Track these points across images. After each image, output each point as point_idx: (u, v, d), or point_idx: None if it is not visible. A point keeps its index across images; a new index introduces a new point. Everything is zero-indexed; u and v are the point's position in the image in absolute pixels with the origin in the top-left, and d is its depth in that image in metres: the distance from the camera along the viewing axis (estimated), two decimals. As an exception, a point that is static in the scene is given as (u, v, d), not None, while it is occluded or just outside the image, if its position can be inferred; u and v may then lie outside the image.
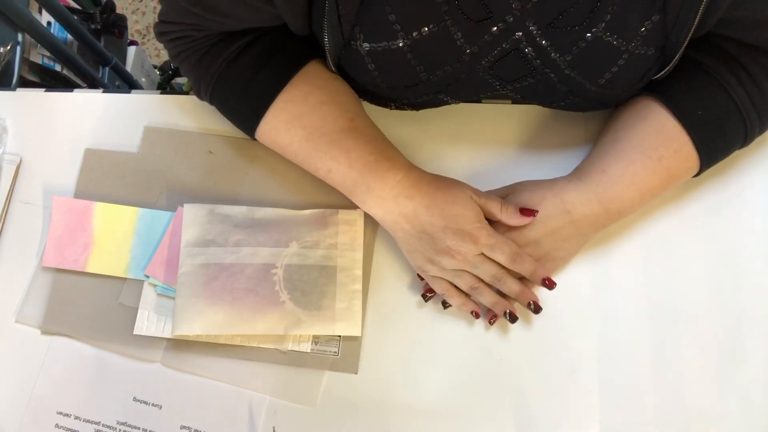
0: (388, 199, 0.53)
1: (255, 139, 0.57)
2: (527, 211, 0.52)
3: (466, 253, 0.51)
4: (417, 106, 0.61)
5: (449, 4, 0.45)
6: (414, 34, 0.47)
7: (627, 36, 0.45)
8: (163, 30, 0.53)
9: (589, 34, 0.46)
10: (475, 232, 0.51)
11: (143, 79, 1.41)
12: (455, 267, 0.52)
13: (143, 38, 1.80)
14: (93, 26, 1.23)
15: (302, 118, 0.53)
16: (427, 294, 0.56)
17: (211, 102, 0.57)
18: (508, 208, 0.53)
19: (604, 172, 0.53)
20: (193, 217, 0.58)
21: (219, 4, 0.47)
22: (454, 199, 0.52)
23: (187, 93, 0.65)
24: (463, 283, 0.54)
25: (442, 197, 0.52)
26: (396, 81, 0.52)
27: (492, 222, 0.54)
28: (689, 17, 0.44)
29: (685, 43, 0.46)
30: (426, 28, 0.46)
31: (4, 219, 0.63)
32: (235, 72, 0.53)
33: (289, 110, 0.53)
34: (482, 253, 0.52)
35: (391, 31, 0.46)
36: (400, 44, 0.47)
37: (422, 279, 0.57)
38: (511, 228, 0.54)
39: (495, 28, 0.46)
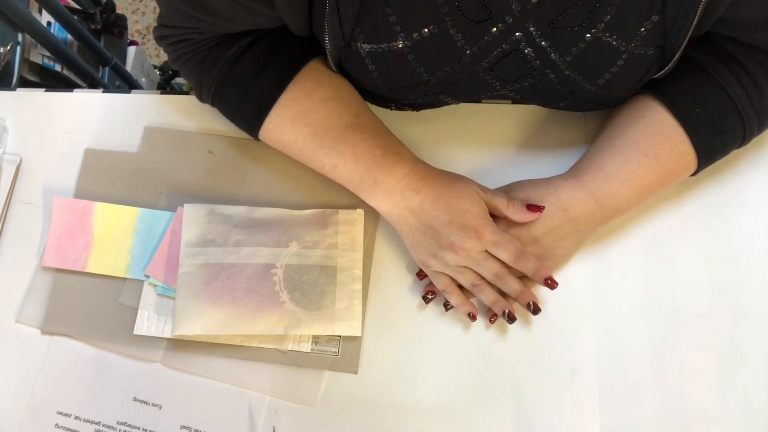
0: (395, 193, 0.53)
1: (258, 140, 0.57)
2: (534, 207, 0.52)
3: (470, 249, 0.51)
4: (417, 107, 0.61)
5: (449, 5, 0.45)
6: (414, 36, 0.47)
7: (626, 36, 0.45)
8: (163, 34, 0.53)
9: (588, 35, 0.46)
10: (480, 228, 0.51)
11: (143, 79, 1.41)
12: (458, 263, 0.53)
13: (143, 38, 1.80)
14: (93, 26, 1.23)
15: (307, 115, 0.53)
16: (428, 296, 0.56)
17: (213, 104, 0.57)
18: (514, 203, 0.53)
19: (601, 169, 0.53)
20: (193, 217, 0.58)
21: (219, 8, 0.47)
22: (461, 194, 0.52)
23: (187, 93, 0.65)
24: (465, 279, 0.54)
25: (448, 191, 0.52)
26: (396, 82, 0.52)
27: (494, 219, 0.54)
28: (688, 17, 0.44)
29: (685, 43, 0.46)
30: (426, 30, 0.46)
31: (4, 219, 0.63)
32: (236, 73, 0.53)
33: (293, 108, 0.53)
34: (485, 250, 0.52)
35: (391, 32, 0.47)
36: (401, 45, 0.47)
37: (422, 279, 0.57)
38: (510, 226, 0.54)
39: (495, 29, 0.46)
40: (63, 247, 0.60)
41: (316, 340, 0.57)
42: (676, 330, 0.56)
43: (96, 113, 0.65)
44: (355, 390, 0.56)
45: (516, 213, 0.52)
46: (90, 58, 1.18)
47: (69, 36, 1.11)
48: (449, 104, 0.60)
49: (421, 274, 0.57)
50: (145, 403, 0.57)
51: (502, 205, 0.53)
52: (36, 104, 0.67)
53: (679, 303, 0.56)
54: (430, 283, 0.57)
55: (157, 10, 0.52)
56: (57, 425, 0.56)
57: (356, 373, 0.56)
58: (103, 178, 0.62)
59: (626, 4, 0.44)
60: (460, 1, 0.45)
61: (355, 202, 0.58)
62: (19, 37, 0.95)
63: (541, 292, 0.57)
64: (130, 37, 1.45)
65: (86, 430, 0.56)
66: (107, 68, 1.22)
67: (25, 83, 0.99)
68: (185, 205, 0.59)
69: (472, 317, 0.55)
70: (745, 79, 0.50)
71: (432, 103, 0.59)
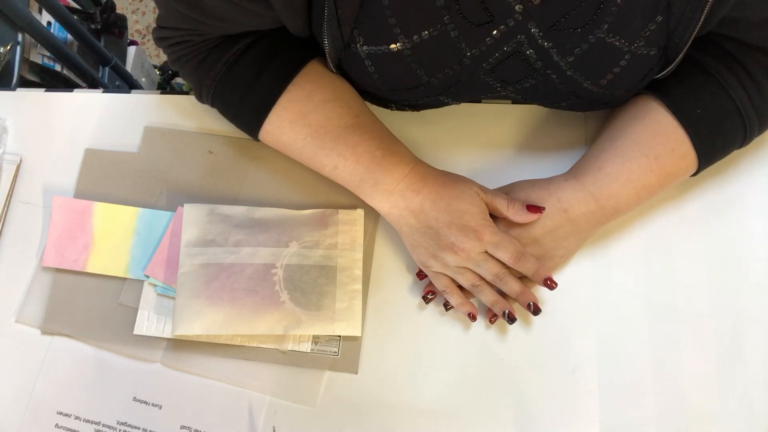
0: (395, 193, 0.53)
1: (258, 140, 0.57)
2: (534, 208, 0.52)
3: (470, 249, 0.51)
4: (417, 107, 0.61)
5: (450, 8, 0.45)
6: (414, 38, 0.46)
7: (630, 37, 0.45)
8: (162, 35, 0.53)
9: (591, 36, 0.45)
10: (480, 229, 0.51)
11: (143, 79, 1.41)
12: (458, 263, 0.53)
13: (143, 38, 1.80)
14: (93, 26, 1.23)
15: (307, 117, 0.53)
16: (428, 296, 0.56)
17: (213, 105, 0.57)
18: (515, 204, 0.53)
19: (601, 170, 0.53)
20: (193, 217, 0.58)
21: (218, 10, 0.46)
22: (461, 194, 0.52)
23: (187, 93, 0.65)
24: (465, 280, 0.54)
25: (448, 192, 0.52)
26: (396, 83, 0.52)
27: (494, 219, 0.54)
28: (693, 17, 0.44)
29: (689, 44, 0.46)
30: (426, 32, 0.46)
31: (4, 219, 0.63)
32: (236, 75, 0.53)
33: (293, 109, 0.53)
34: (485, 251, 0.52)
35: (391, 34, 0.46)
36: (400, 47, 0.47)
37: (422, 279, 0.57)
38: (510, 226, 0.54)
39: (496, 32, 0.46)
40: (63, 247, 0.60)
41: (316, 340, 0.57)
42: (676, 330, 0.56)
43: (96, 113, 0.65)
44: (355, 390, 0.56)
45: (516, 214, 0.52)
46: (90, 58, 1.18)
47: (69, 36, 1.11)
48: (449, 105, 0.60)
49: (421, 274, 0.57)
50: (145, 403, 0.57)
51: (503, 206, 0.53)
52: (36, 104, 0.67)
53: (679, 303, 0.56)
54: (430, 283, 0.57)
55: (157, 11, 0.52)
56: (57, 425, 0.56)
57: (356, 373, 0.56)
58: (103, 178, 0.62)
59: (630, 5, 0.43)
60: (461, 4, 0.44)
61: (355, 202, 0.58)
62: (19, 37, 0.95)
63: (541, 293, 0.57)
64: (130, 37, 1.45)
65: (86, 430, 0.56)
66: (107, 68, 1.22)
67: (25, 83, 0.99)
68: (185, 205, 0.59)
69: (472, 317, 0.55)
70: (746, 79, 0.50)
71: (432, 103, 0.59)
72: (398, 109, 0.61)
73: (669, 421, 0.53)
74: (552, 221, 0.53)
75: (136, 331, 0.57)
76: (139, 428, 0.56)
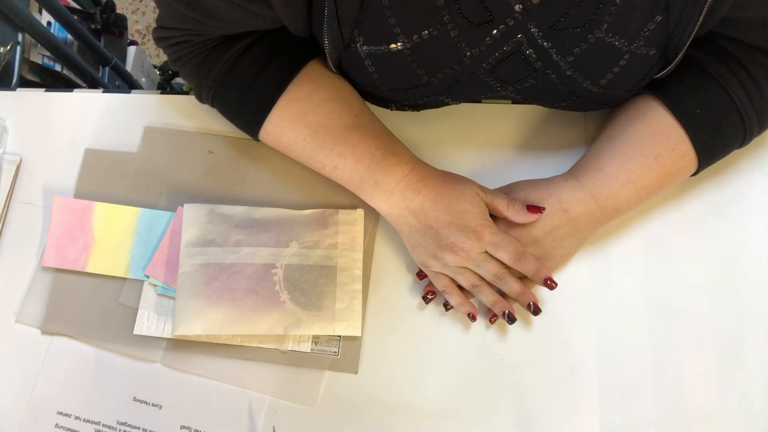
0: (395, 193, 0.53)
1: (258, 140, 0.57)
2: (534, 208, 0.52)
3: (470, 249, 0.51)
4: (417, 107, 0.61)
5: (450, 8, 0.45)
6: (414, 38, 0.46)
7: (629, 37, 0.45)
8: (162, 35, 0.53)
9: (591, 36, 0.46)
10: (480, 229, 0.51)
11: (143, 79, 1.41)
12: (458, 264, 0.53)
13: (143, 38, 1.80)
14: (93, 26, 1.23)
15: (307, 117, 0.53)
16: (428, 296, 0.56)
17: (213, 105, 0.57)
18: (515, 204, 0.53)
19: (600, 170, 0.53)
20: (193, 217, 0.58)
21: (218, 10, 0.46)
22: (461, 195, 0.52)
23: (187, 93, 0.65)
24: (465, 280, 0.54)
25: (448, 192, 0.52)
26: (396, 83, 0.52)
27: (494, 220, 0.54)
28: (693, 17, 0.44)
29: (688, 43, 0.46)
30: (426, 32, 0.46)
31: (4, 219, 0.63)
32: (236, 75, 0.53)
33: (293, 109, 0.53)
34: (485, 251, 0.52)
35: (391, 34, 0.46)
36: (400, 47, 0.47)
37: (422, 279, 0.57)
38: (510, 226, 0.54)
39: (496, 31, 0.46)
40: (63, 247, 0.60)
41: (316, 340, 0.57)
42: (676, 330, 0.56)
43: (96, 113, 0.65)
44: (355, 390, 0.56)
45: (516, 214, 0.52)
46: (90, 58, 1.18)
47: (69, 36, 1.11)
48: (449, 105, 0.60)
49: (421, 274, 0.57)
50: (145, 403, 0.57)
51: (503, 206, 0.53)
52: (36, 104, 0.67)
53: (679, 303, 0.56)
54: (430, 283, 0.57)
55: (158, 11, 0.52)
56: (57, 425, 0.56)
57: (356, 373, 0.56)
58: (103, 178, 0.62)
59: (630, 5, 0.43)
60: (461, 3, 0.44)
61: (355, 202, 0.58)
62: (19, 37, 0.95)
63: (541, 293, 0.57)
64: (130, 37, 1.45)
65: (86, 430, 0.56)
66: (107, 68, 1.22)
67: (25, 83, 0.99)
68: (185, 205, 0.59)
69: (472, 317, 0.55)
70: (746, 79, 0.50)
71: (432, 103, 0.59)
72: (398, 109, 0.61)
73: (669, 421, 0.53)
74: (552, 221, 0.53)
75: (136, 331, 0.57)
76: (139, 428, 0.56)
